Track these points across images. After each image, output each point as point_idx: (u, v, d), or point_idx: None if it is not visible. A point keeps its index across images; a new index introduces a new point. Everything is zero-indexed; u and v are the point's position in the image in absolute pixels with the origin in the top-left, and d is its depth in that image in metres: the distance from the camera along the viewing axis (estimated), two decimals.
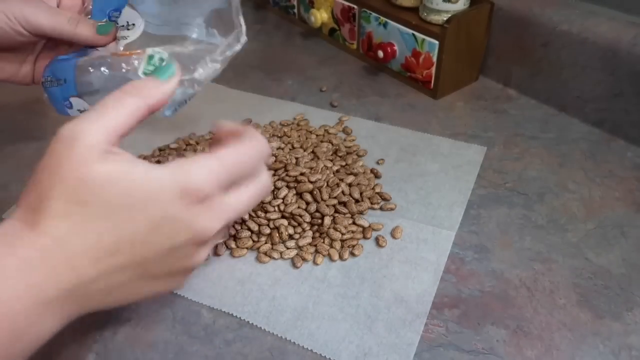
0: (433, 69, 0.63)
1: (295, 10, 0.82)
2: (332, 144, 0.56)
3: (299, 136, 0.57)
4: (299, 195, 0.48)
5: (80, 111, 0.41)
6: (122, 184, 0.28)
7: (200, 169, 0.29)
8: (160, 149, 0.57)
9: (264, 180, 0.35)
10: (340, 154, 0.54)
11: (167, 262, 0.31)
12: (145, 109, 0.31)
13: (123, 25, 0.41)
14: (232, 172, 0.32)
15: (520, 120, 0.61)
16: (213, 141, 0.35)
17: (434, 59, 0.62)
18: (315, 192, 0.48)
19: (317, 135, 0.58)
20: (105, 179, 0.28)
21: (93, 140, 0.28)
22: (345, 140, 0.57)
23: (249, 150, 0.33)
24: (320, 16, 0.75)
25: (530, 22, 0.60)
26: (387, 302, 0.41)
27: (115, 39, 0.41)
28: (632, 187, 0.51)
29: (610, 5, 0.57)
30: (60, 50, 0.43)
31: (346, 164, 0.53)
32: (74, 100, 0.41)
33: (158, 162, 0.53)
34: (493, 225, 0.48)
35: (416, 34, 0.62)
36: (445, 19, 0.60)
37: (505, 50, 0.64)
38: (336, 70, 0.71)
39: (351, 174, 0.51)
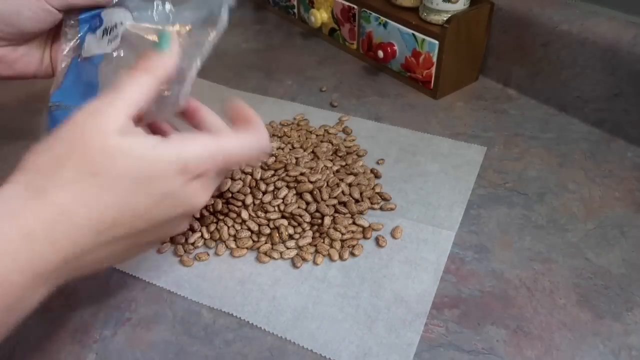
0: (433, 69, 0.63)
1: (295, 10, 0.82)
2: (332, 144, 0.56)
3: (299, 136, 0.57)
4: (299, 195, 0.48)
5: None
6: (132, 158, 0.29)
7: (202, 150, 0.31)
8: None
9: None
10: (340, 154, 0.54)
11: (159, 232, 0.32)
12: (155, 83, 0.32)
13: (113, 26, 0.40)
14: (229, 160, 0.34)
15: (520, 120, 0.61)
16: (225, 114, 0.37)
17: (434, 59, 0.62)
18: (315, 192, 0.48)
19: (317, 135, 0.58)
20: (119, 151, 0.29)
21: (115, 115, 0.29)
22: (345, 140, 0.57)
23: (250, 144, 0.35)
24: (320, 16, 0.75)
25: (530, 22, 0.60)
26: (387, 302, 0.41)
27: None
28: (632, 187, 0.51)
29: (610, 5, 0.57)
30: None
31: (346, 164, 0.53)
32: None
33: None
34: (493, 225, 0.48)
35: (416, 34, 0.62)
36: (445, 19, 0.60)
37: (505, 50, 0.64)
38: (336, 70, 0.71)
39: (351, 174, 0.51)
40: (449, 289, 0.42)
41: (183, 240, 0.46)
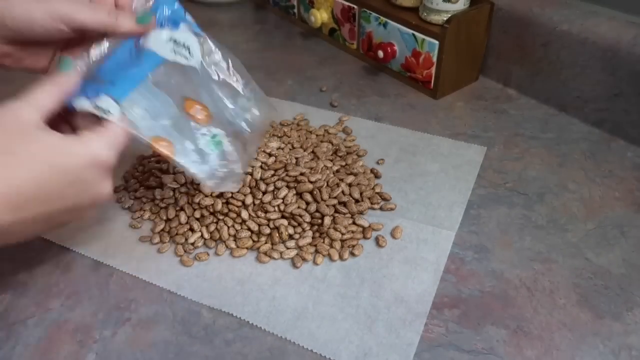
0: (433, 69, 0.63)
1: (295, 10, 0.82)
2: (332, 144, 0.56)
3: (299, 136, 0.57)
4: (299, 195, 0.48)
5: (101, 109, 0.40)
6: (48, 146, 0.33)
7: (104, 144, 0.36)
8: None
9: None
10: (340, 154, 0.54)
11: (72, 212, 0.36)
12: (60, 95, 0.37)
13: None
14: (121, 143, 0.38)
15: (520, 120, 0.61)
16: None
17: (434, 59, 0.62)
18: (315, 192, 0.48)
19: (317, 135, 0.58)
20: (35, 136, 0.33)
21: (32, 112, 0.34)
22: (345, 140, 0.57)
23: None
24: (320, 16, 0.75)
25: (530, 22, 0.60)
26: (387, 302, 0.41)
27: (153, 26, 0.41)
28: (632, 187, 0.51)
29: (610, 5, 0.57)
30: (85, 42, 0.43)
31: (346, 164, 0.53)
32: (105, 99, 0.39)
33: (158, 162, 0.53)
34: (493, 225, 0.48)
35: (416, 34, 0.62)
36: (445, 19, 0.60)
37: (505, 50, 0.64)
38: (336, 70, 0.71)
39: (351, 174, 0.51)
40: (449, 289, 0.42)
41: (183, 240, 0.46)
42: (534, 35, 0.60)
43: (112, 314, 0.41)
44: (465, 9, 0.61)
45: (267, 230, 0.46)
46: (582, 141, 0.57)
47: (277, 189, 0.48)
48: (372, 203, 0.49)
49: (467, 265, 0.44)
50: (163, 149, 0.39)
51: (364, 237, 0.46)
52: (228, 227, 0.47)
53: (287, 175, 0.49)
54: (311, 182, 0.48)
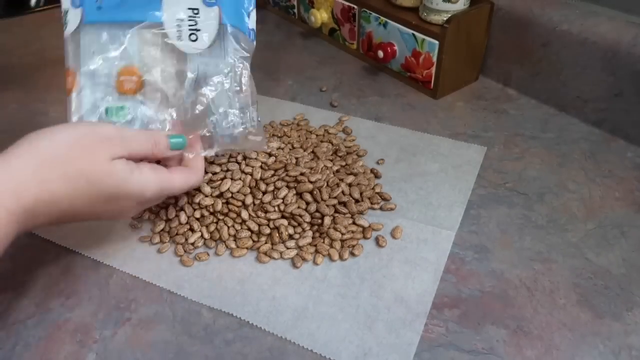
0: (433, 69, 0.63)
1: (295, 10, 0.82)
2: (332, 144, 0.56)
3: (299, 136, 0.57)
4: (299, 195, 0.48)
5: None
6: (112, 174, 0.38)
7: (155, 186, 0.40)
8: None
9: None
10: (340, 154, 0.54)
11: (91, 216, 0.40)
12: (148, 153, 0.41)
13: None
14: (170, 193, 0.43)
15: (520, 120, 0.61)
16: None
17: (434, 59, 0.62)
18: (315, 192, 0.48)
19: (317, 135, 0.58)
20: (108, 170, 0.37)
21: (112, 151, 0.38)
22: (345, 140, 0.57)
23: (188, 181, 0.43)
24: (320, 16, 0.75)
25: (530, 22, 0.60)
26: (387, 302, 0.41)
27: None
28: (632, 187, 0.51)
29: (610, 5, 0.57)
30: None
31: (346, 164, 0.53)
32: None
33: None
34: (493, 225, 0.48)
35: (416, 34, 0.62)
36: (445, 19, 0.60)
37: (505, 50, 0.64)
38: (336, 70, 0.71)
39: (351, 174, 0.51)
40: (449, 289, 0.42)
41: (183, 240, 0.46)
42: (534, 35, 0.60)
43: (112, 314, 0.41)
44: (465, 9, 0.61)
45: (267, 230, 0.46)
46: (582, 141, 0.57)
47: (277, 189, 0.48)
48: (372, 203, 0.49)
49: (467, 265, 0.44)
50: (69, 77, 0.43)
51: (364, 237, 0.46)
52: (228, 227, 0.47)
53: (287, 175, 0.49)
54: (311, 182, 0.48)
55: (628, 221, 0.48)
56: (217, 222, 0.47)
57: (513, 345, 0.38)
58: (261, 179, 0.49)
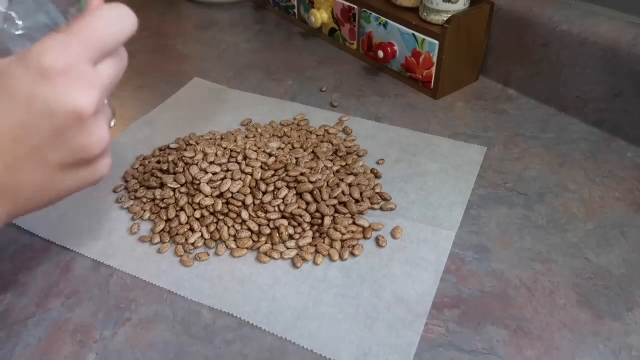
0: (433, 69, 0.63)
1: (295, 10, 0.82)
2: (332, 144, 0.56)
3: (299, 136, 0.57)
4: (299, 195, 0.48)
5: None
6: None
7: (51, 45, 0.28)
8: (160, 149, 0.57)
9: (122, 52, 0.32)
10: (340, 154, 0.54)
11: (59, 146, 0.29)
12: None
13: None
14: (90, 39, 0.29)
15: (520, 120, 0.61)
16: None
17: (434, 59, 0.62)
18: (315, 192, 0.48)
19: (317, 135, 0.58)
20: None
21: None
22: (345, 140, 0.57)
23: (106, 16, 0.30)
24: (320, 16, 0.75)
25: (530, 22, 0.60)
26: (387, 302, 0.41)
27: None
28: (632, 187, 0.51)
29: (610, 5, 0.57)
30: None
31: (346, 164, 0.53)
32: None
33: (158, 162, 0.53)
34: (493, 225, 0.48)
35: (416, 34, 0.62)
36: (445, 19, 0.60)
37: (505, 50, 0.64)
38: (336, 70, 0.71)
39: (351, 174, 0.51)
40: (449, 289, 0.42)
41: (183, 240, 0.46)
42: (534, 35, 0.60)
43: (112, 314, 0.41)
44: (465, 9, 0.61)
45: (267, 231, 0.46)
46: (582, 141, 0.57)
47: (277, 189, 0.48)
48: (372, 203, 0.49)
49: (467, 265, 0.44)
50: None
51: (364, 237, 0.46)
52: (228, 227, 0.47)
53: (287, 175, 0.49)
54: (311, 182, 0.48)
55: (628, 221, 0.48)
56: (217, 222, 0.47)
57: (513, 345, 0.38)
58: (261, 179, 0.49)
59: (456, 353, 0.38)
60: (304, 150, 0.54)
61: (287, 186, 0.48)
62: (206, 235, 0.46)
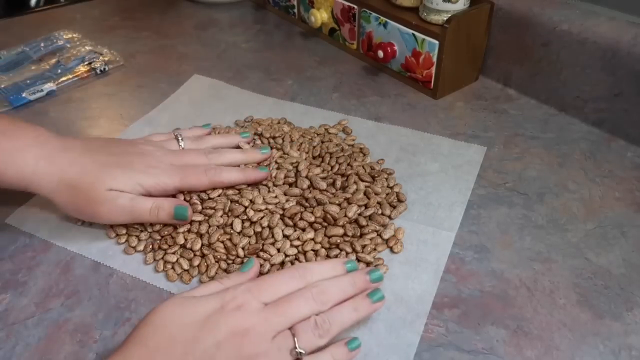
0: (433, 69, 0.63)
1: (295, 10, 0.82)
2: (332, 144, 0.56)
3: (299, 136, 0.57)
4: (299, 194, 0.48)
5: None
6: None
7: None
8: None
9: None
10: (340, 154, 0.54)
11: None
12: None
13: None
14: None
15: (520, 120, 0.61)
16: None
17: (434, 59, 0.62)
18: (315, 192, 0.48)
19: (317, 135, 0.58)
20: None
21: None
22: (345, 140, 0.57)
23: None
24: (320, 16, 0.75)
25: (530, 22, 0.60)
26: (387, 302, 0.41)
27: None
28: (632, 187, 0.51)
29: (610, 5, 0.57)
30: None
31: (347, 164, 0.53)
32: None
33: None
34: (493, 225, 0.48)
35: (416, 34, 0.62)
36: (445, 19, 0.60)
37: (505, 50, 0.64)
38: (336, 70, 0.71)
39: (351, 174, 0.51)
40: (449, 289, 0.42)
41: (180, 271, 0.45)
42: (534, 35, 0.60)
43: (112, 314, 0.41)
44: (465, 9, 0.61)
45: (267, 231, 0.46)
46: (582, 141, 0.57)
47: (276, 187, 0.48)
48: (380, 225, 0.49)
49: (467, 265, 0.44)
50: None
51: None
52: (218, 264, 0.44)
53: (287, 176, 0.49)
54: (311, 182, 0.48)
55: (628, 221, 0.48)
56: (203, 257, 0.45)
57: (513, 345, 0.38)
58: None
59: (456, 353, 0.38)
60: (304, 151, 0.54)
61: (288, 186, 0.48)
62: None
